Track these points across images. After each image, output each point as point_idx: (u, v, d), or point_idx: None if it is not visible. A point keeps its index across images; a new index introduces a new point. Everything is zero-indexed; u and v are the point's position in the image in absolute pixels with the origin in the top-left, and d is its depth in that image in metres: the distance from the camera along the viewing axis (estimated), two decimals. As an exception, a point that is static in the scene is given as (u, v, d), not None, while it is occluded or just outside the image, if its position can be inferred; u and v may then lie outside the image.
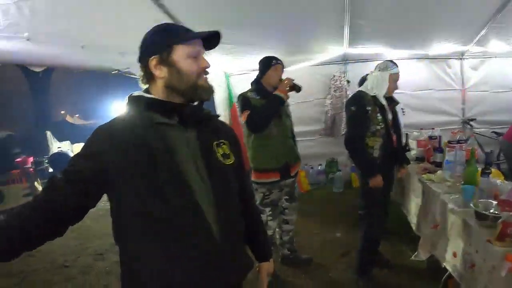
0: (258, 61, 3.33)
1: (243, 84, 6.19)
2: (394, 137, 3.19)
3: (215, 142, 1.38)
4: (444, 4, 4.03)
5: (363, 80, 3.90)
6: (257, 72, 3.30)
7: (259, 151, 3.20)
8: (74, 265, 4.36)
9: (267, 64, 3.22)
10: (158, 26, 1.36)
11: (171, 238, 1.21)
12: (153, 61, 1.29)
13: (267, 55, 3.31)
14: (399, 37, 5.16)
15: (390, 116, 3.14)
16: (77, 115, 17.29)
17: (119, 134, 1.23)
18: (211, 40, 1.35)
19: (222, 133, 1.46)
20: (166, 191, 1.20)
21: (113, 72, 3.22)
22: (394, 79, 3.07)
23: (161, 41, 1.30)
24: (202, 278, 1.24)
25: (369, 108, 3.02)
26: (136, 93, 1.36)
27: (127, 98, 1.35)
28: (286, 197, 3.51)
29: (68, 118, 16.47)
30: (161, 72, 1.29)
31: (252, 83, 3.35)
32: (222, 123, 1.56)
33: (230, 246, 1.31)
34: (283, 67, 3.27)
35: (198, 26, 1.45)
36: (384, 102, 3.08)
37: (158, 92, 1.32)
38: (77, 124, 15.71)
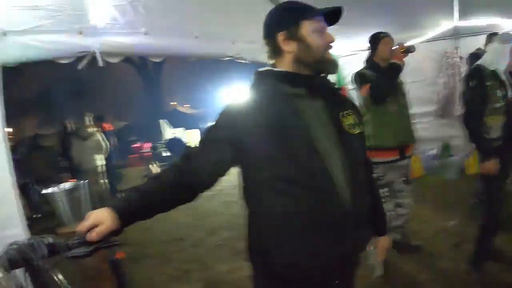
0: (368, 40, 3.25)
1: (351, 66, 6.03)
2: None
3: (342, 112, 1.40)
4: None
5: (473, 56, 3.52)
6: (365, 53, 3.23)
7: (377, 128, 3.10)
8: (188, 239, 4.80)
9: (376, 39, 3.14)
10: (283, 3, 1.43)
11: (302, 201, 1.25)
12: (281, 37, 1.34)
13: (376, 32, 3.22)
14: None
15: (511, 93, 2.81)
16: (187, 105, 18.60)
17: (252, 104, 1.32)
18: (331, 17, 1.37)
19: (347, 104, 1.49)
20: (298, 156, 1.25)
21: (225, 59, 3.40)
22: None
23: (289, 17, 1.35)
24: (331, 241, 1.27)
25: (488, 83, 2.74)
26: (263, 68, 1.42)
27: (254, 73, 1.42)
28: (402, 178, 3.36)
29: (179, 108, 17.81)
30: (290, 47, 1.34)
31: (365, 62, 3.29)
32: (345, 95, 1.59)
33: (358, 214, 1.32)
34: (392, 39, 3.15)
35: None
36: (504, 77, 2.77)
37: (286, 66, 1.36)
38: (188, 113, 16.93)
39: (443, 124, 5.83)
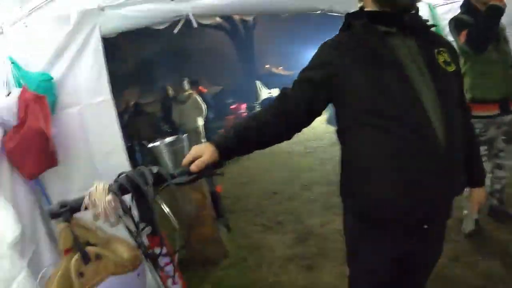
0: None
1: (450, 15, 5.44)
2: None
3: (435, 50, 1.36)
4: None
5: None
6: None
7: (477, 79, 2.83)
8: (282, 193, 4.98)
9: None
10: None
11: (396, 137, 1.25)
12: None
13: None
14: None
15: None
16: (280, 67, 18.63)
17: (346, 43, 1.34)
18: None
19: (441, 42, 1.44)
20: (393, 92, 1.25)
21: (317, 12, 3.33)
22: None
23: None
24: (423, 182, 1.25)
25: None
26: (354, 10, 1.44)
27: (345, 16, 1.43)
28: (504, 137, 3.03)
29: (273, 70, 17.93)
30: None
31: (460, 7, 2.98)
32: (438, 33, 1.55)
33: (453, 155, 1.27)
34: None
35: None
36: None
37: (370, 7, 1.36)
38: (283, 74, 16.99)
39: None
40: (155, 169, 1.13)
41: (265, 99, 10.15)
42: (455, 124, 1.29)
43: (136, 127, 7.28)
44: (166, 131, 7.76)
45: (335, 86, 1.30)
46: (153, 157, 4.09)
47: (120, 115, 6.83)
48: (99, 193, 1.01)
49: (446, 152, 1.23)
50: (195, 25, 2.71)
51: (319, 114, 1.37)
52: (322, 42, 1.41)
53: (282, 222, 4.03)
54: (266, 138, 1.33)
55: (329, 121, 9.32)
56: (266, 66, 18.96)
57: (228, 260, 3.39)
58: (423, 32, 1.38)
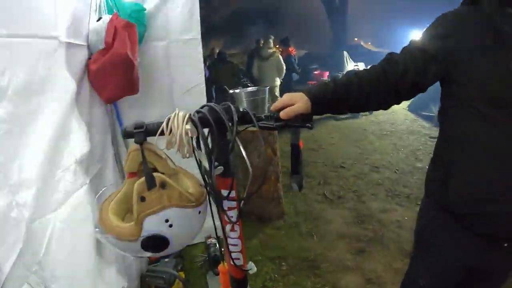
0: None
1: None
2: None
3: None
4: None
5: None
6: None
7: None
8: (350, 168, 4.85)
9: None
10: None
11: (506, 130, 1.10)
12: None
13: None
14: None
15: None
16: (369, 42, 17.78)
17: (469, 19, 1.17)
18: None
19: None
20: None
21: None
22: None
23: None
24: None
25: None
26: None
27: None
28: None
29: (362, 44, 17.16)
30: None
31: None
32: None
33: None
34: None
35: None
36: None
37: None
38: (370, 50, 16.23)
39: None
40: (241, 107, 1.04)
41: (349, 71, 9.71)
42: None
43: (217, 74, 7.34)
44: (244, 83, 7.81)
45: (450, 62, 1.15)
46: (233, 102, 4.13)
47: (204, 60, 7.00)
48: (178, 120, 0.95)
49: None
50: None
51: (424, 89, 1.22)
52: (438, 14, 1.24)
53: (344, 198, 3.92)
54: (363, 100, 1.19)
55: (411, 108, 8.80)
56: (356, 39, 18.30)
57: (282, 221, 3.38)
58: None
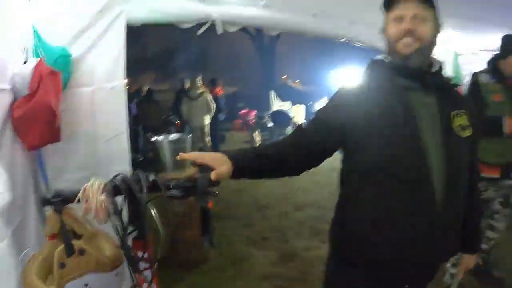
0: (500, 41, 2.88)
1: (472, 66, 5.43)
2: None
3: (454, 112, 1.32)
4: None
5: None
6: (489, 53, 2.88)
7: (484, 142, 2.80)
8: (274, 209, 4.98)
9: (507, 48, 2.77)
10: None
11: (395, 194, 1.25)
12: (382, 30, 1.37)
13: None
14: None
15: None
16: (297, 81, 18.69)
17: (363, 93, 1.32)
18: None
19: (463, 103, 1.39)
20: (401, 149, 1.24)
21: (341, 40, 3.34)
22: None
23: (383, 6, 1.34)
24: (414, 241, 1.25)
25: None
26: (377, 57, 1.41)
27: (369, 62, 1.42)
28: (500, 199, 3.03)
29: (290, 82, 18.00)
30: (383, 38, 1.36)
31: (488, 62, 2.95)
32: (462, 94, 1.55)
33: (448, 221, 1.27)
34: None
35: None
36: None
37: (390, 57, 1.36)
38: (298, 89, 17.06)
39: None
40: (152, 176, 1.13)
41: (275, 111, 10.10)
42: (458, 190, 1.28)
43: (145, 111, 7.33)
44: (173, 122, 7.81)
45: (347, 132, 1.29)
46: (155, 149, 4.12)
47: (131, 97, 6.95)
48: (94, 190, 1.02)
49: (442, 218, 1.23)
50: (220, 31, 2.71)
51: (331, 155, 1.37)
52: (338, 88, 1.42)
53: (268, 239, 4.03)
54: (279, 170, 1.33)
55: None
56: (283, 77, 19.06)
57: (207, 266, 3.38)
58: (445, 92, 1.35)
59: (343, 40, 3.41)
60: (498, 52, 2.85)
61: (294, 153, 1.31)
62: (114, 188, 1.07)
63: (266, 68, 16.83)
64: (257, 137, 9.49)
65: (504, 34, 2.86)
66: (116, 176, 1.12)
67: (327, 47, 14.40)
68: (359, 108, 1.27)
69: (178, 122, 7.79)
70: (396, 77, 1.30)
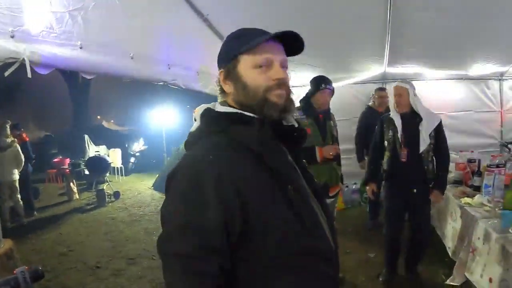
0: (310, 80, 3.36)
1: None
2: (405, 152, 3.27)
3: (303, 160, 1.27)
4: (484, 26, 4.04)
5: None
6: (296, 89, 3.32)
7: None
8: (107, 267, 4.49)
9: (317, 86, 3.23)
10: (233, 32, 1.19)
11: (310, 270, 1.07)
12: (221, 75, 1.16)
13: (320, 75, 3.35)
14: (438, 57, 5.19)
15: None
16: (112, 121, 17.84)
17: (237, 164, 1.03)
18: (293, 44, 1.14)
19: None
20: (304, 222, 1.04)
21: (160, 83, 3.32)
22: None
23: (227, 51, 1.15)
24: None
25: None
26: (229, 110, 1.13)
27: (216, 117, 1.13)
28: None
29: (104, 123, 17.03)
30: (228, 87, 1.14)
31: (300, 101, 3.37)
32: None
33: (338, 258, 1.19)
34: (332, 92, 3.29)
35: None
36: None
37: (235, 106, 1.14)
38: (113, 130, 16.23)
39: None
40: None
41: (91, 157, 9.24)
42: (332, 224, 1.22)
43: None
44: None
45: (240, 232, 0.99)
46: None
47: None
48: None
49: (336, 259, 1.17)
50: (29, 74, 2.35)
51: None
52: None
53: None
54: None
55: (156, 187, 9.09)
56: (98, 117, 18.01)
57: None
58: (297, 140, 1.22)
59: (161, 83, 3.40)
60: (309, 90, 3.30)
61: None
62: None
63: (80, 109, 15.53)
64: (74, 188, 8.56)
65: (314, 76, 3.35)
66: None
67: (143, 87, 14.25)
68: (241, 188, 0.98)
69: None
70: (275, 141, 1.11)
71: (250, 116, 1.09)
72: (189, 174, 1.02)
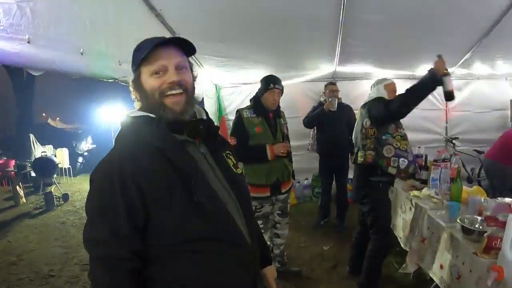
0: (260, 79, 3.40)
1: (234, 97, 6.32)
2: None
3: (225, 153, 1.40)
4: (429, 30, 4.30)
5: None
6: (248, 86, 3.34)
7: (250, 167, 3.24)
8: (60, 275, 4.26)
9: (265, 86, 3.27)
10: (137, 44, 1.31)
11: (214, 254, 1.18)
12: (131, 86, 1.31)
13: (270, 75, 3.39)
14: (387, 58, 5.42)
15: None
16: (58, 118, 17.03)
17: (140, 160, 1.15)
18: (188, 45, 1.30)
19: (226, 145, 1.48)
20: (205, 210, 1.16)
21: (110, 81, 3.22)
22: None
23: (132, 64, 1.30)
24: (239, 280, 1.25)
25: None
26: (140, 114, 1.28)
27: (130, 121, 1.28)
28: (279, 211, 3.55)
29: (50, 121, 16.21)
30: (137, 96, 1.30)
31: (251, 100, 3.42)
32: (222, 136, 1.52)
33: (256, 251, 1.33)
34: (281, 91, 3.34)
35: (193, 38, 1.44)
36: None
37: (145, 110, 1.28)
38: (59, 128, 15.47)
39: (316, 156, 5.80)
40: None
41: (37, 158, 8.70)
42: (253, 220, 1.38)
43: None
44: None
45: (148, 212, 1.14)
46: None
47: None
48: None
49: (252, 251, 1.29)
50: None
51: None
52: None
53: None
54: None
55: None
56: (43, 114, 17.07)
57: None
58: (213, 137, 1.38)
59: (111, 80, 3.30)
60: (259, 89, 3.35)
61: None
62: None
63: (24, 107, 14.62)
64: (21, 192, 8.08)
65: (264, 76, 3.38)
66: None
67: (91, 83, 13.68)
68: (146, 179, 1.12)
69: None
70: (170, 133, 1.23)
71: (152, 117, 1.24)
72: (102, 167, 1.18)
